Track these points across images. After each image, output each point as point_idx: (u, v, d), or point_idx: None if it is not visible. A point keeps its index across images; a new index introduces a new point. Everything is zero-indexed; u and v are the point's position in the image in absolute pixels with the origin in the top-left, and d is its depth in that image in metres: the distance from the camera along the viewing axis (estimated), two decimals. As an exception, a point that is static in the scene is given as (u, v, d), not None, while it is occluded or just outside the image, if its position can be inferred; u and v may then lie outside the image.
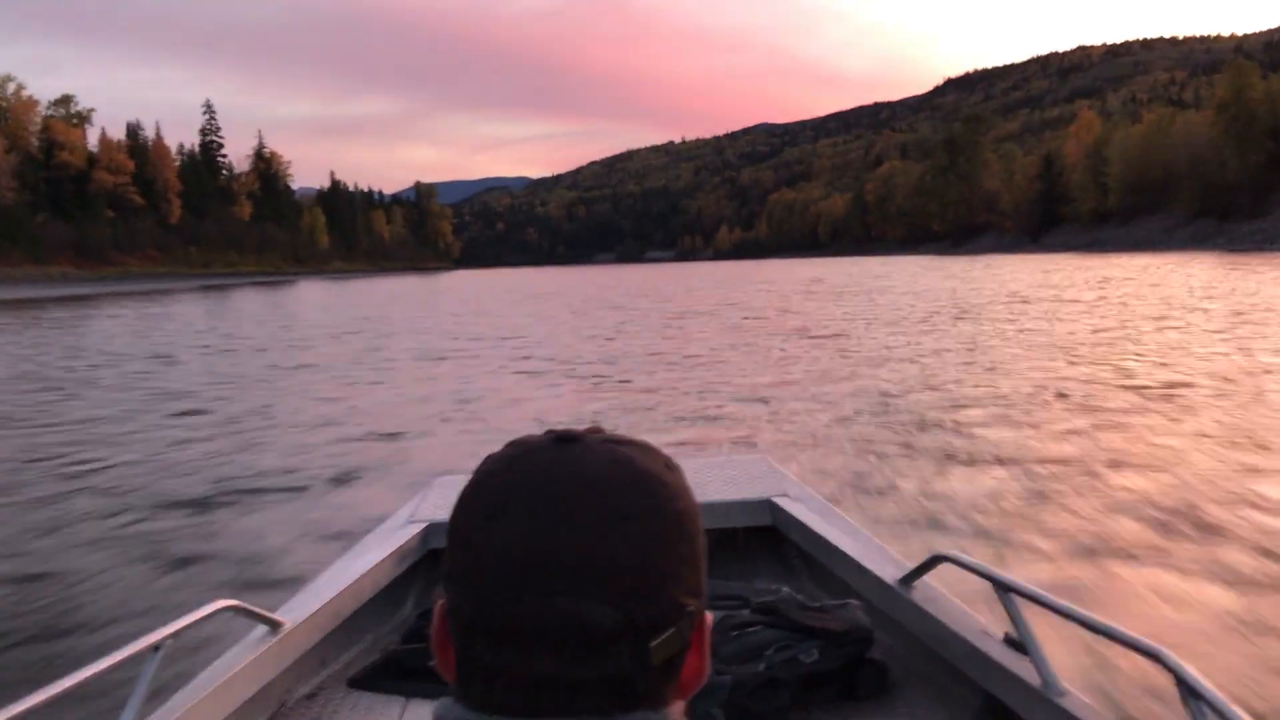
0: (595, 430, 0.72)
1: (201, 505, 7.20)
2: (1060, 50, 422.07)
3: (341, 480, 7.86)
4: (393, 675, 2.81)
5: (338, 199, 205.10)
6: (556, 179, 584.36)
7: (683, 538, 0.68)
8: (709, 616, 0.71)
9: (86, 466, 8.69)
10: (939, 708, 2.47)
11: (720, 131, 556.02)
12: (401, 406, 11.88)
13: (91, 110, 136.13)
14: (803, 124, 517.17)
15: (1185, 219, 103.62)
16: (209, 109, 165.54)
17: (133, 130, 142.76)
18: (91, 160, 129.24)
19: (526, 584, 0.64)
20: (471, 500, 0.69)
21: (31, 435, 10.55)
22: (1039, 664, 2.09)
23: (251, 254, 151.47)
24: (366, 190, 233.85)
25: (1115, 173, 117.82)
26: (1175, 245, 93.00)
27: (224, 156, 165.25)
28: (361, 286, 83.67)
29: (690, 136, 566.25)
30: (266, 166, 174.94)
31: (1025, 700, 2.13)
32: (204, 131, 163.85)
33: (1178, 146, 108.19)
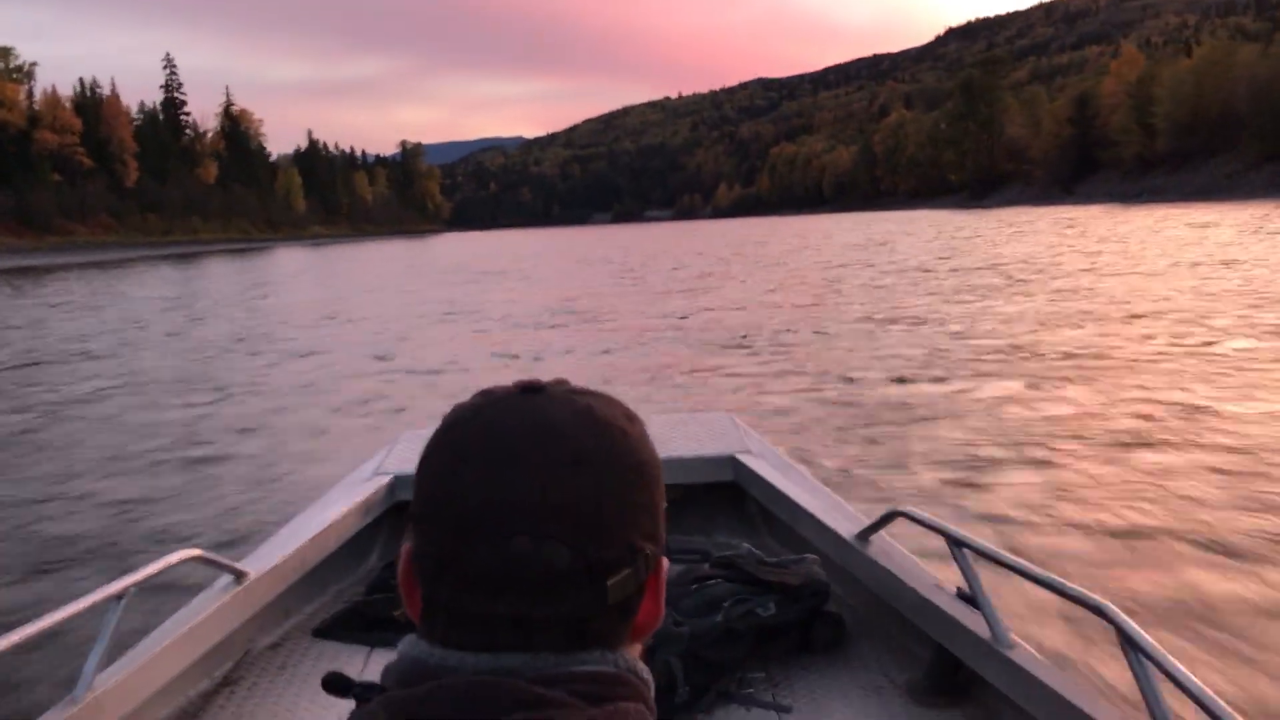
0: (560, 382, 0.74)
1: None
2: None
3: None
4: (357, 625, 2.88)
5: (316, 160, 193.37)
6: (551, 138, 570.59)
7: (640, 485, 0.71)
8: (665, 562, 0.73)
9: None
10: (891, 660, 2.54)
11: (716, 86, 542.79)
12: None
13: (34, 64, 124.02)
14: (801, 77, 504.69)
15: (1253, 162, 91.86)
16: (169, 63, 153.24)
17: (86, 87, 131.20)
18: (34, 119, 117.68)
19: (486, 525, 0.67)
20: (437, 446, 0.72)
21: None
22: (989, 617, 2.14)
23: (218, 220, 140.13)
24: (348, 151, 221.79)
25: (1164, 112, 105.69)
26: (1245, 193, 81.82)
27: (187, 114, 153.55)
28: (343, 254, 77.62)
29: (686, 92, 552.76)
30: (235, 125, 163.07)
31: (975, 652, 2.18)
32: (166, 88, 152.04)
33: (1239, 81, 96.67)
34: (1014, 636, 2.13)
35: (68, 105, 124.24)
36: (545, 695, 0.64)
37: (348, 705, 1.68)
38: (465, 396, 0.74)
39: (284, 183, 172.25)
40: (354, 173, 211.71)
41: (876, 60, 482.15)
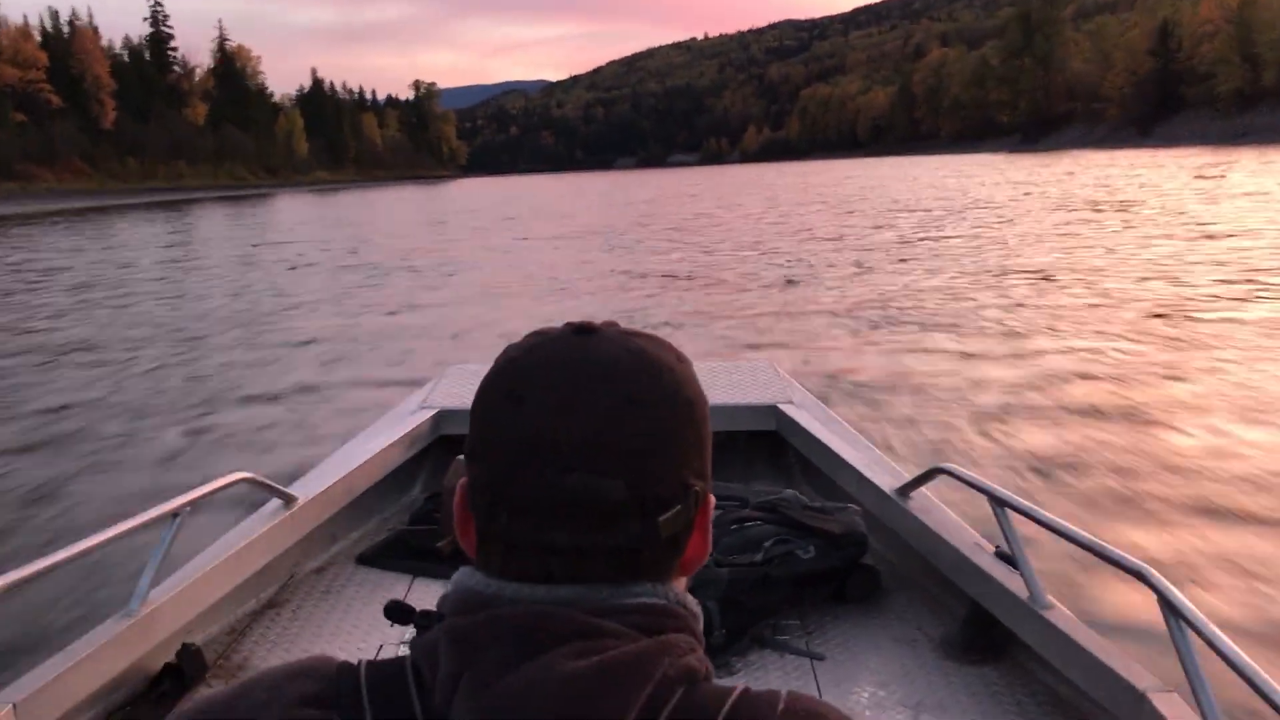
0: (610, 324, 0.76)
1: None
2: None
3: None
4: (400, 554, 2.95)
5: (321, 101, 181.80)
6: (574, 80, 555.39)
7: (689, 423, 0.72)
8: (712, 499, 0.75)
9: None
10: (926, 614, 2.57)
11: (744, 27, 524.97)
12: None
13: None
14: (830, 19, 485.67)
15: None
16: None
17: (56, 20, 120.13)
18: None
19: (544, 460, 0.68)
20: (493, 384, 0.73)
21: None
22: (1027, 577, 2.15)
23: (207, 164, 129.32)
24: (357, 92, 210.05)
25: (1273, 40, 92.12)
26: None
27: (174, 50, 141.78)
28: (349, 201, 72.06)
29: (713, 34, 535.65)
30: (229, 63, 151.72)
31: (1012, 611, 2.20)
32: (153, 20, 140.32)
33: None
34: (1051, 597, 2.14)
35: (37, 37, 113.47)
36: (601, 625, 0.67)
37: (386, 631, 2.37)
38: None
39: (285, 125, 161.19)
40: (363, 115, 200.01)
41: (907, 1, 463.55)
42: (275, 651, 2.43)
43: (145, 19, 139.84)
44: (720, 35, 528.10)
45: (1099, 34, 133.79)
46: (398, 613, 0.76)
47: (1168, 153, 72.88)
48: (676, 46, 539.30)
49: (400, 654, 0.72)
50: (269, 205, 67.50)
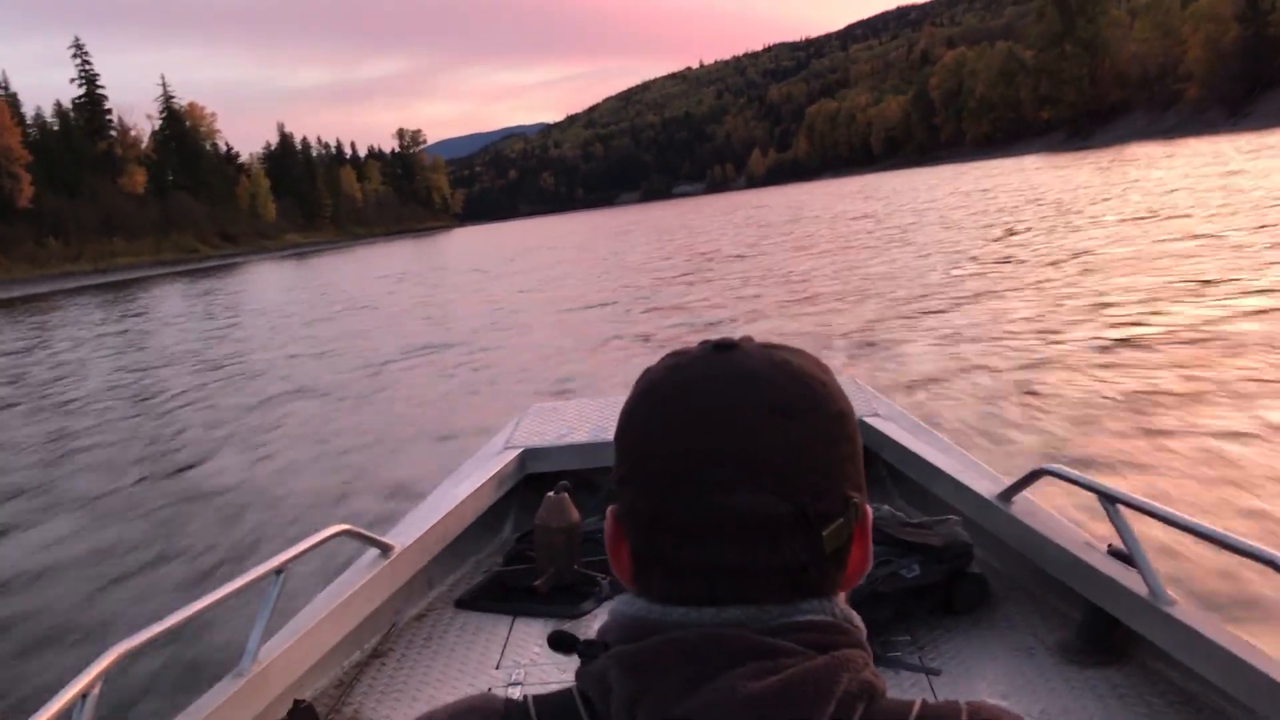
0: (748, 339, 0.74)
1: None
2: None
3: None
4: (497, 595, 2.98)
5: (290, 159, 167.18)
6: (571, 120, 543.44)
7: (843, 434, 0.71)
8: (869, 510, 0.74)
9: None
10: (1040, 620, 2.51)
11: (739, 53, 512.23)
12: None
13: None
14: (826, 36, 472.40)
15: None
16: (80, 51, 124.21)
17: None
18: None
19: (703, 480, 0.67)
20: (638, 408, 0.72)
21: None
22: (1146, 574, 2.10)
23: (148, 236, 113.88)
24: (334, 145, 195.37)
25: None
26: None
27: (109, 113, 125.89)
28: (314, 268, 62.20)
29: (708, 61, 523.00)
30: (177, 125, 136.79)
31: (1132, 610, 2.14)
32: (85, 80, 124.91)
33: None
34: (1173, 593, 2.08)
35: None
36: (777, 645, 0.65)
37: (492, 674, 2.53)
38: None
39: (249, 187, 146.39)
40: (340, 169, 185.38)
41: (904, 11, 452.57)
42: (385, 702, 2.45)
43: (73, 80, 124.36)
44: (715, 62, 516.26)
45: (1157, 5, 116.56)
46: (562, 642, 0.75)
47: (1266, 136, 56.89)
48: (672, 77, 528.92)
49: (510, 696, 0.72)
50: (215, 280, 56.09)
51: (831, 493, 0.69)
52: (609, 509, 0.74)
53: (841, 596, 0.73)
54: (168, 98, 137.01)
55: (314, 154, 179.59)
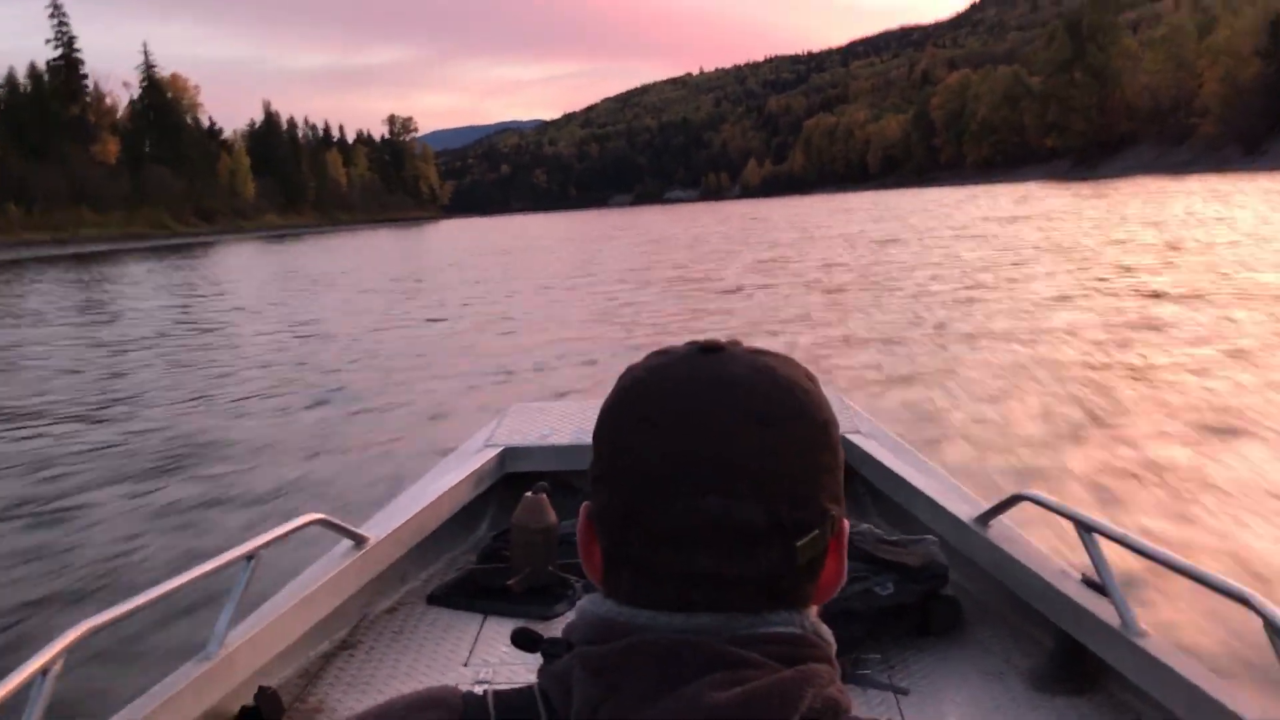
0: (735, 342, 0.73)
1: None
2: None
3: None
4: (470, 593, 2.97)
5: (274, 138, 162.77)
6: (568, 118, 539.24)
7: (825, 446, 0.70)
8: (846, 524, 0.73)
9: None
10: (1013, 646, 2.51)
11: (740, 62, 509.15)
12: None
13: None
14: (828, 51, 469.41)
15: None
16: (57, 10, 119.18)
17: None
18: None
19: (678, 484, 0.66)
20: (619, 406, 0.71)
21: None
22: (1118, 604, 2.11)
23: (119, 209, 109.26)
24: (322, 128, 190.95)
25: None
26: None
27: (85, 78, 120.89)
28: (289, 252, 59.23)
29: (708, 68, 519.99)
30: (157, 95, 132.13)
31: (1103, 640, 2.14)
32: (59, 42, 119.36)
33: None
34: (1144, 624, 2.08)
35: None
36: (744, 655, 0.65)
37: (460, 671, 2.51)
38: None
39: (230, 163, 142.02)
40: (326, 151, 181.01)
41: (906, 32, 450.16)
42: (350, 693, 2.45)
43: (49, 41, 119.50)
44: (716, 69, 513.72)
45: (1171, 39, 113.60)
46: (526, 640, 0.74)
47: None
48: (672, 82, 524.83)
49: (475, 691, 0.71)
50: (133, 269, 49.88)
51: (808, 502, 0.68)
52: (582, 506, 0.73)
53: (813, 610, 0.72)
54: (149, 66, 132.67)
55: (300, 135, 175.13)
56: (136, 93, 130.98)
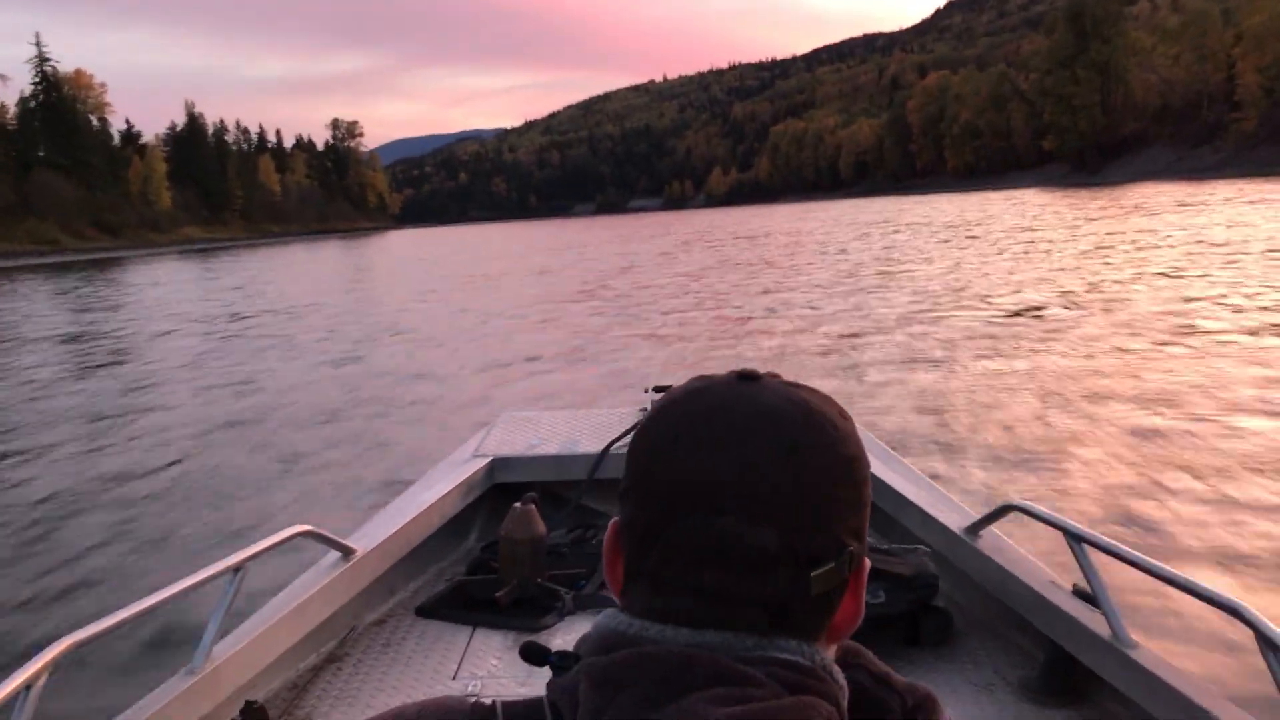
0: (773, 375, 0.76)
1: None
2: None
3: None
4: (458, 605, 2.96)
5: (198, 143, 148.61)
6: (529, 125, 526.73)
7: (848, 480, 0.71)
8: (867, 562, 0.74)
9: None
10: (1003, 657, 2.52)
11: (704, 68, 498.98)
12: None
13: None
14: (793, 59, 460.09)
15: None
16: None
17: None
18: None
19: (695, 501, 0.68)
20: (653, 425, 0.73)
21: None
22: (1109, 615, 2.11)
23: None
24: (256, 132, 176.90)
25: None
26: None
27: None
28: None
29: (672, 75, 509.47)
30: (54, 93, 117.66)
31: (1093, 651, 2.14)
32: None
33: None
34: (1135, 636, 2.09)
35: None
36: (747, 673, 0.65)
37: (449, 684, 2.47)
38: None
39: (142, 170, 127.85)
40: (258, 157, 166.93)
41: (871, 39, 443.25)
42: (339, 707, 2.42)
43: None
44: (679, 76, 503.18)
45: (1192, 27, 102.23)
46: (534, 654, 0.75)
47: None
48: (635, 89, 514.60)
49: (484, 702, 0.72)
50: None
51: (826, 534, 0.69)
52: (612, 520, 0.75)
53: (828, 647, 0.72)
54: (41, 59, 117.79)
55: (229, 140, 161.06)
56: (27, 89, 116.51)
